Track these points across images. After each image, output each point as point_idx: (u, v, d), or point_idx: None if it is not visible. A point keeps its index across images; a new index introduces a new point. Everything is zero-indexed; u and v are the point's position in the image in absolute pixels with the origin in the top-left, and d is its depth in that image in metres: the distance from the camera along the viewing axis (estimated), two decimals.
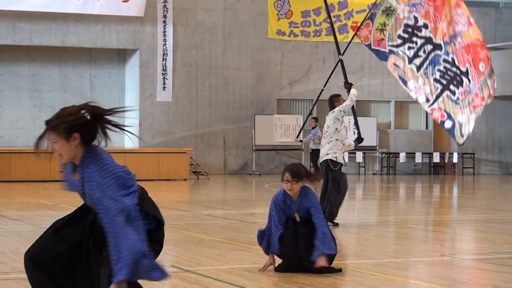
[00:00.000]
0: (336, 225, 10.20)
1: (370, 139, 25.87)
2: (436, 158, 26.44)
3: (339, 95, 10.64)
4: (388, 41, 11.07)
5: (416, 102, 26.82)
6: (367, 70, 26.26)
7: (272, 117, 24.71)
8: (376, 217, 12.98)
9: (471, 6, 27.72)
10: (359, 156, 25.46)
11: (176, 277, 6.21)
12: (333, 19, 12.65)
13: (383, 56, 11.16)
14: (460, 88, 10.72)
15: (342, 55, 11.28)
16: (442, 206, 15.38)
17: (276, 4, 25.43)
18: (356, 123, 11.47)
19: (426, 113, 27.10)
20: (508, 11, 27.83)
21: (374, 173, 26.12)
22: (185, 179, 21.99)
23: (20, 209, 12.96)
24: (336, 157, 10.29)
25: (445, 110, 10.94)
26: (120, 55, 25.25)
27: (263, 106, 25.18)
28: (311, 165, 22.05)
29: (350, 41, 11.79)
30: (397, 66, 11.08)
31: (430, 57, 11.01)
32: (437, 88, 10.94)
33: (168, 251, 8.52)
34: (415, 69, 11.06)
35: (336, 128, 10.29)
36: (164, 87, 24.58)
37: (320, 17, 22.10)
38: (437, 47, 10.94)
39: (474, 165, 26.87)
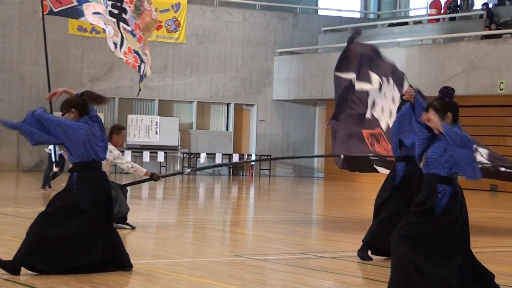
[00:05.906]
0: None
1: (172, 139, 25.95)
2: (236, 159, 27.05)
3: (122, 128, 10.17)
4: None
5: (218, 103, 27.35)
6: (170, 70, 26.32)
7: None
8: (176, 217, 13.04)
9: (271, 10, 28.64)
10: (160, 155, 25.45)
11: None
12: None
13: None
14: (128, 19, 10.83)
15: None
16: (240, 207, 15.76)
17: None
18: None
19: (227, 114, 27.64)
20: (304, 17, 28.98)
21: None
22: None
23: None
24: None
25: (134, 51, 11.00)
26: None
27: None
28: None
29: None
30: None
31: None
32: (114, 22, 10.94)
33: None
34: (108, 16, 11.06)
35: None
36: None
37: None
38: None
39: (270, 167, 27.77)
